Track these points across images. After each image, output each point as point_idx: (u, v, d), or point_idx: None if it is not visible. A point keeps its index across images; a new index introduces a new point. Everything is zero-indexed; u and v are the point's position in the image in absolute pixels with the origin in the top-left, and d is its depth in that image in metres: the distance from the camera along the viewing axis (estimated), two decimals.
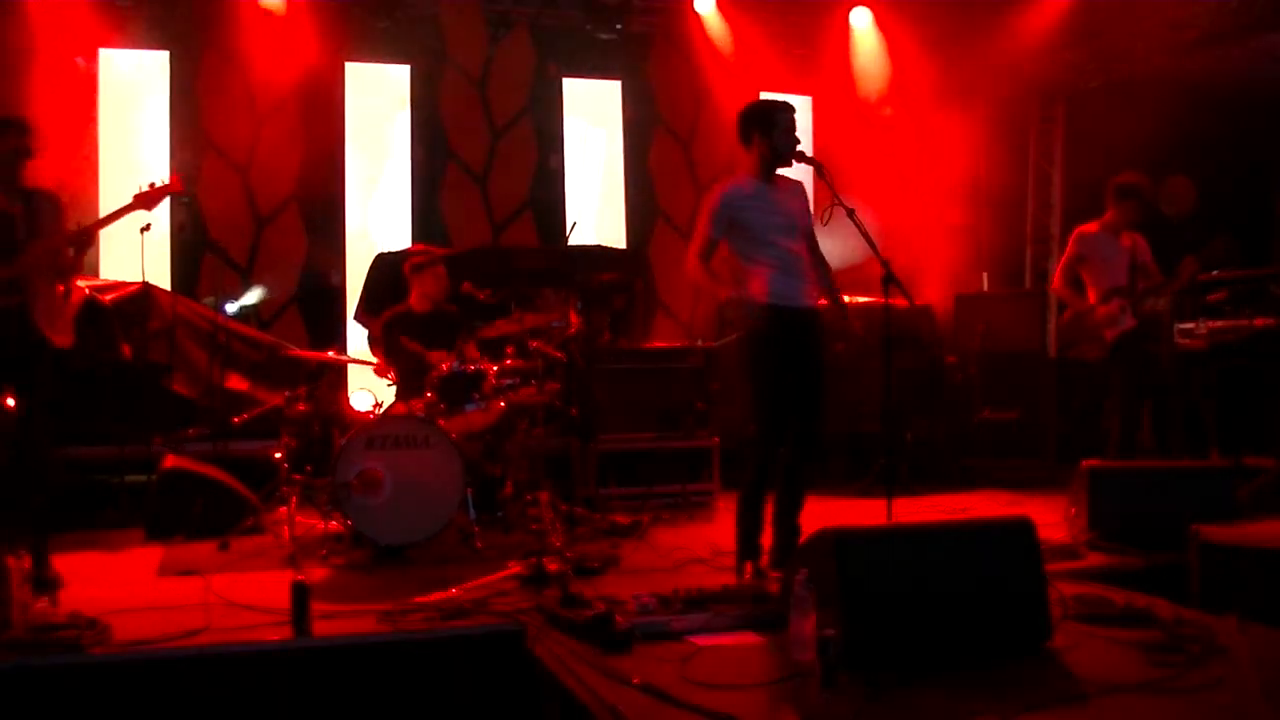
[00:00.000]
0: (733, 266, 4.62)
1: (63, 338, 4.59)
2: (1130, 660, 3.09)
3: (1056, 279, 6.28)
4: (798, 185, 4.69)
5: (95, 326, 6.49)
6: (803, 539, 3.34)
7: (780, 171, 4.62)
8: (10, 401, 4.51)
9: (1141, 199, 6.04)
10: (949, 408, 8.16)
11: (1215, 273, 6.84)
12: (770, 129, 4.54)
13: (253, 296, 8.00)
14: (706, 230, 4.55)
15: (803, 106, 9.50)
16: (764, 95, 9.40)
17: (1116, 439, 6.08)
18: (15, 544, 4.25)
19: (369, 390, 5.92)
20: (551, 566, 4.37)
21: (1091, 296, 6.08)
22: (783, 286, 4.48)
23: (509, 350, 5.91)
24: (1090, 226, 6.15)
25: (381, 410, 5.57)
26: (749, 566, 4.50)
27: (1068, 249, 6.22)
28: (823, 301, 4.65)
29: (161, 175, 4.77)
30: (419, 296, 6.12)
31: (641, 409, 6.82)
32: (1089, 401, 8.33)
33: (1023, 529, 3.35)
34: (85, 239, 4.67)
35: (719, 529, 4.88)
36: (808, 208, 4.71)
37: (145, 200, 4.71)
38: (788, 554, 4.42)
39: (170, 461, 5.97)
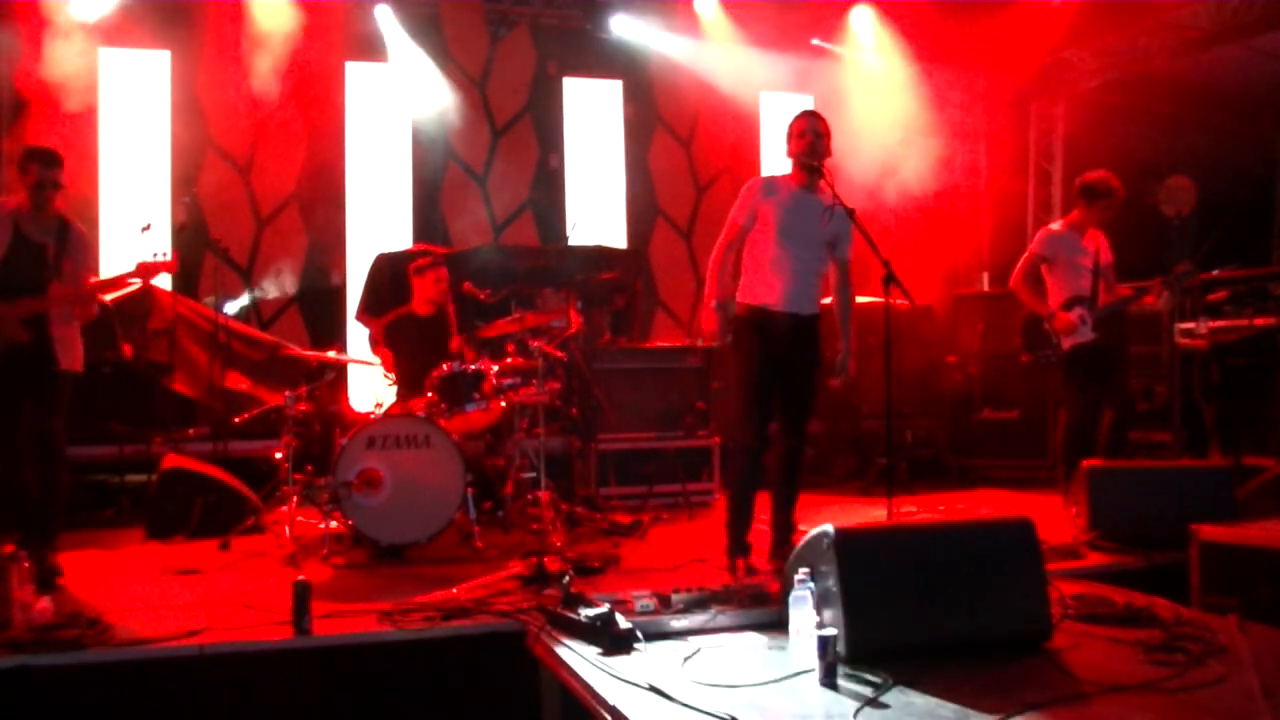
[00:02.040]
0: (742, 259, 4.66)
1: (77, 364, 4.75)
2: (1130, 660, 3.09)
3: (1016, 276, 6.03)
4: (839, 211, 4.47)
5: (95, 326, 6.48)
6: (804, 538, 3.33)
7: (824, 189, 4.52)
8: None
9: (1114, 199, 5.84)
10: (949, 408, 8.17)
11: (1216, 272, 6.84)
12: (789, 138, 4.58)
13: (240, 302, 7.99)
14: (739, 218, 4.63)
15: (803, 106, 9.51)
16: (764, 95, 9.48)
17: (1061, 446, 5.95)
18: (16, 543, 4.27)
19: (370, 390, 5.93)
20: (552, 566, 4.37)
21: (1052, 299, 5.93)
22: (778, 290, 4.52)
23: (510, 350, 5.91)
24: (1056, 226, 6.01)
25: (382, 410, 5.58)
26: (740, 564, 4.53)
27: (1031, 247, 6.04)
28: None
29: (164, 250, 4.82)
30: (420, 300, 6.13)
31: (642, 409, 6.83)
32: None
33: (1023, 529, 3.35)
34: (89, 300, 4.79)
35: (719, 528, 4.88)
36: (842, 232, 4.60)
37: (145, 271, 4.78)
38: (784, 550, 4.49)
39: (171, 461, 5.97)
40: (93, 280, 4.78)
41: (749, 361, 4.56)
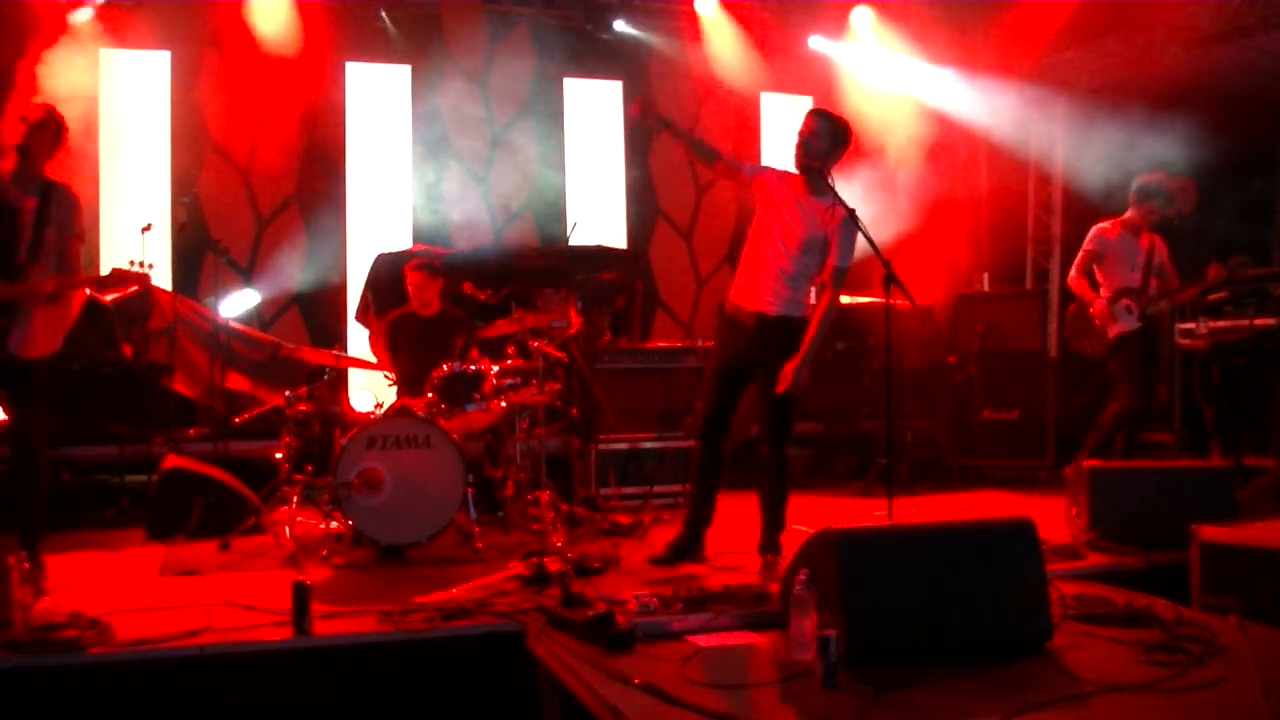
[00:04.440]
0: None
1: (50, 346, 4.49)
2: (1130, 660, 3.09)
3: (1074, 273, 6.26)
4: (826, 212, 4.40)
5: (95, 326, 6.50)
6: (805, 539, 3.33)
7: (840, 194, 4.41)
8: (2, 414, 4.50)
9: (1163, 201, 6.09)
10: (949, 408, 8.17)
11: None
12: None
13: (245, 302, 7.97)
14: (747, 163, 4.78)
15: (803, 107, 9.52)
16: (764, 95, 9.47)
17: (1106, 430, 6.12)
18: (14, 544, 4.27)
19: (369, 390, 5.92)
20: (552, 566, 4.37)
21: (1104, 294, 6.14)
22: (745, 287, 4.55)
23: (510, 350, 5.91)
24: (1109, 225, 6.18)
25: (382, 410, 5.58)
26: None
27: (1086, 245, 6.24)
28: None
29: (146, 262, 4.53)
30: (412, 297, 6.13)
31: (642, 409, 6.82)
32: (1090, 401, 8.33)
33: (1023, 529, 3.35)
34: (55, 298, 4.44)
35: (719, 529, 4.88)
36: (836, 238, 4.43)
37: (118, 279, 4.48)
38: (772, 543, 4.54)
39: (171, 461, 5.97)
40: (73, 259, 4.48)
41: (713, 355, 4.71)
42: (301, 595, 3.60)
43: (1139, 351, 6.08)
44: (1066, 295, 6.69)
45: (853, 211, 4.38)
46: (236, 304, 7.72)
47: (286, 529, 5.26)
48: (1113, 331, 6.06)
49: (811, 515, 5.25)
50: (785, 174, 4.62)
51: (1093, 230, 6.25)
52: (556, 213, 8.97)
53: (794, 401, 4.50)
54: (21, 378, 4.42)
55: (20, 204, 4.36)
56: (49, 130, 4.42)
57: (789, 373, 4.36)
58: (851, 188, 4.70)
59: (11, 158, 4.37)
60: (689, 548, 4.71)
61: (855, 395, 7.94)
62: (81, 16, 7.47)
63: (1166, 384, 7.54)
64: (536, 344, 5.80)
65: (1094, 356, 6.29)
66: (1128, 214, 6.16)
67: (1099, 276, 6.19)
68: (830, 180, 4.41)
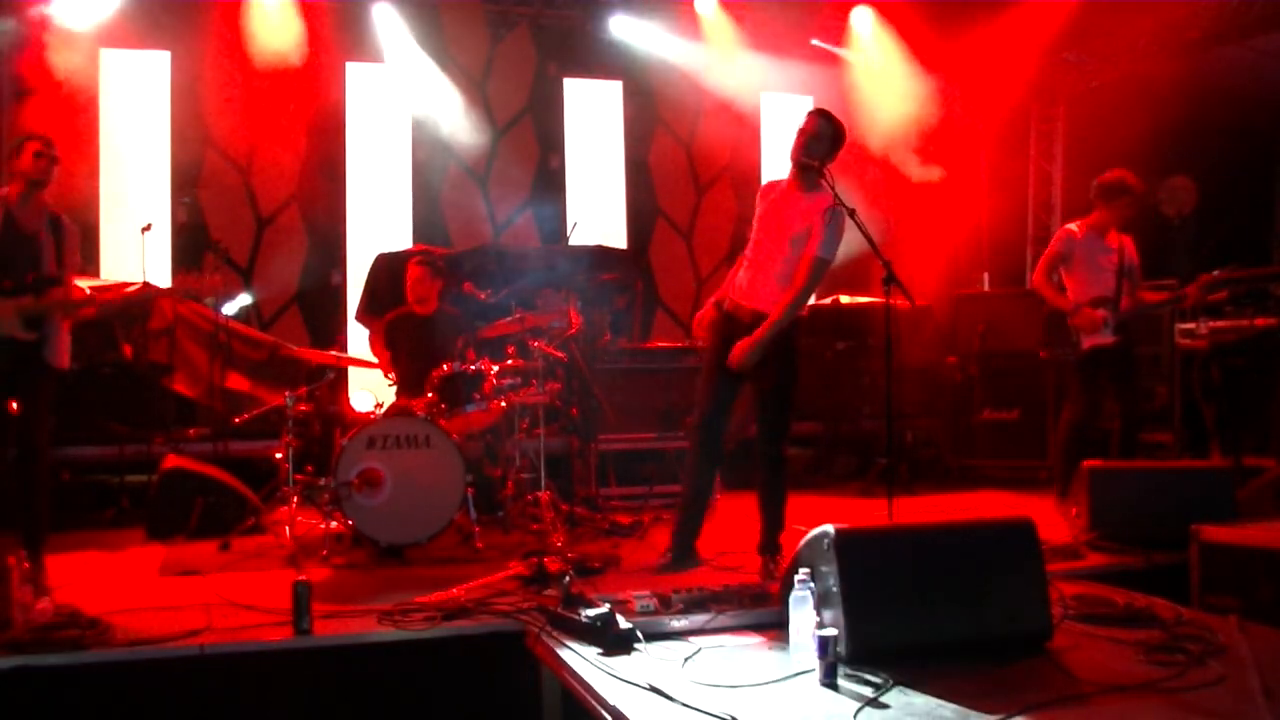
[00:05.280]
0: None
1: (65, 360, 4.68)
2: (1130, 660, 3.09)
3: (1037, 275, 6.05)
4: (812, 206, 4.43)
5: (95, 326, 6.49)
6: (804, 538, 3.33)
7: (834, 193, 4.39)
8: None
9: (1132, 196, 5.83)
10: (949, 408, 8.17)
11: (1217, 272, 6.83)
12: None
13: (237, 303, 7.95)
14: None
15: (803, 107, 9.52)
16: (764, 96, 9.47)
17: (1059, 445, 6.01)
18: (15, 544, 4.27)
19: (369, 390, 5.91)
20: (552, 566, 4.37)
21: (1071, 298, 5.92)
22: (744, 285, 4.58)
23: (510, 350, 5.91)
24: (1075, 226, 5.96)
25: (382, 410, 5.58)
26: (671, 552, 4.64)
27: (1051, 246, 6.04)
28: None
29: (208, 274, 4.85)
30: (409, 292, 6.12)
31: (642, 409, 6.82)
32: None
33: (1023, 529, 3.35)
34: (113, 309, 4.74)
35: (719, 529, 4.88)
36: (808, 227, 4.42)
37: (186, 287, 4.84)
38: (772, 543, 4.55)
39: (171, 461, 5.97)
40: (102, 286, 4.76)
41: (709, 351, 4.69)
42: (302, 595, 3.60)
43: (1106, 365, 5.82)
44: None
45: (853, 210, 4.37)
46: (230, 305, 7.70)
47: (286, 529, 5.26)
48: (1087, 343, 5.81)
49: (811, 515, 5.24)
50: (781, 180, 4.64)
51: (1058, 232, 6.03)
52: (556, 213, 8.97)
53: (784, 399, 4.50)
54: (44, 384, 4.57)
55: (36, 229, 4.55)
56: (57, 164, 4.61)
57: (739, 348, 4.38)
58: (851, 187, 4.68)
59: (20, 186, 4.54)
60: (682, 554, 4.68)
61: (855, 395, 7.94)
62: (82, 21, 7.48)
63: (1166, 384, 7.54)
64: (536, 344, 5.79)
65: (1066, 364, 6.06)
66: (1093, 215, 5.90)
67: (1065, 281, 5.93)
68: (829, 179, 4.40)
